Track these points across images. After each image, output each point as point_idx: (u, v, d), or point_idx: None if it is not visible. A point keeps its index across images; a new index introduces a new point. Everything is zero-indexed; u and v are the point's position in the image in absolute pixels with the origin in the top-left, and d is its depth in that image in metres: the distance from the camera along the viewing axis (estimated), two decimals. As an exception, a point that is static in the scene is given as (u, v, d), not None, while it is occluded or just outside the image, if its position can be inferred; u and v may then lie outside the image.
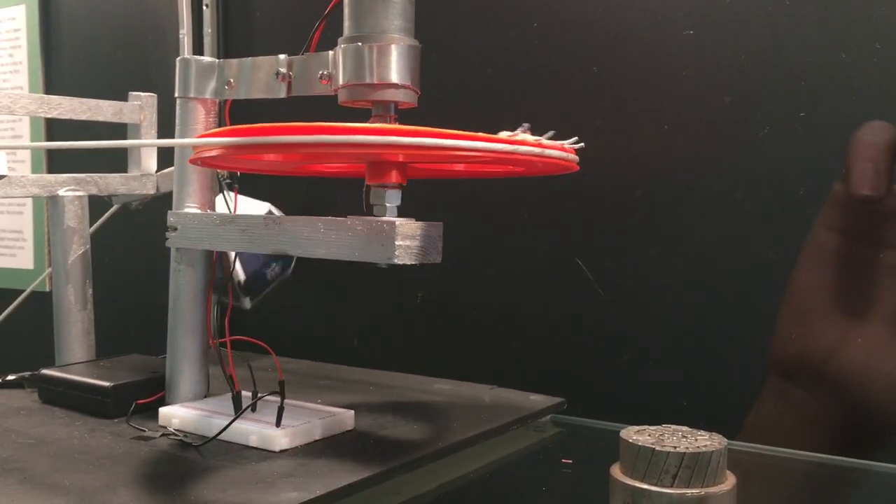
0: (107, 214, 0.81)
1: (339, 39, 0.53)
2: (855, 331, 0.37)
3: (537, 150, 0.47)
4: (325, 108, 0.58)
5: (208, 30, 0.91)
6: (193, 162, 0.51)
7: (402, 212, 0.53)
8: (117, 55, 1.03)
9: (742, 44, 0.66)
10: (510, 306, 0.78)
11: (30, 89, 1.09)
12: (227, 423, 0.53)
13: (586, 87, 0.73)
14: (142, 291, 1.00)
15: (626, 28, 0.71)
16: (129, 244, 0.99)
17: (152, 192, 0.76)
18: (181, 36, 0.92)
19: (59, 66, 1.08)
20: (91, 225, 0.72)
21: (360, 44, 0.52)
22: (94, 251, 0.72)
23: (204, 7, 0.91)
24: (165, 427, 0.56)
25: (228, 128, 0.44)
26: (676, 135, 0.69)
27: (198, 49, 0.92)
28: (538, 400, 0.68)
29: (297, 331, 0.92)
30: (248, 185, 0.67)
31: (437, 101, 0.67)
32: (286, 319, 0.93)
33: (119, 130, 0.78)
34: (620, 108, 0.71)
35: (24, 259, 1.10)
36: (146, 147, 0.72)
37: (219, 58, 0.92)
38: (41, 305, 0.84)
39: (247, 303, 0.75)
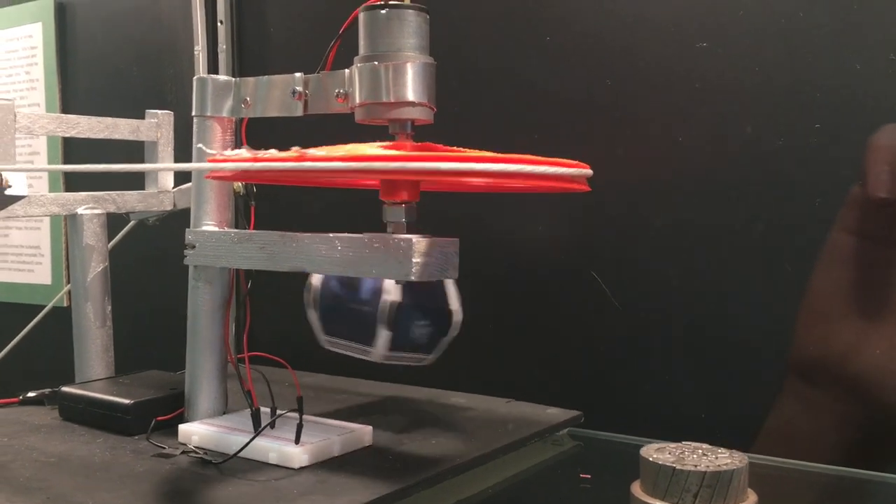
0: (124, 230, 0.82)
1: (355, 58, 0.54)
2: (873, 332, 0.37)
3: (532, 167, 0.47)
4: (339, 125, 0.59)
5: (223, 46, 0.92)
6: (211, 177, 0.51)
7: (417, 226, 0.53)
8: (133, 72, 1.03)
9: (756, 55, 0.66)
10: (526, 319, 0.78)
11: (46, 106, 1.10)
12: (246, 440, 0.54)
13: (600, 100, 0.73)
14: (159, 305, 1.00)
15: (640, 40, 0.71)
16: (146, 258, 0.99)
17: (169, 208, 0.76)
18: (196, 53, 0.93)
19: (75, 83, 1.09)
20: (109, 241, 0.73)
21: (375, 63, 0.52)
22: (111, 266, 0.73)
23: (218, 24, 0.92)
24: (185, 444, 0.56)
25: (240, 157, 0.45)
26: (691, 146, 0.69)
27: (212, 66, 0.93)
28: (555, 413, 0.68)
29: (314, 344, 0.92)
30: (265, 197, 0.68)
31: (452, 115, 0.67)
32: (302, 332, 0.93)
33: (136, 146, 0.78)
34: (635, 119, 0.72)
35: (41, 275, 1.11)
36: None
37: (234, 75, 0.93)
38: (60, 320, 0.84)
39: (382, 341, 0.58)
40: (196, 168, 0.58)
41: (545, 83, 0.75)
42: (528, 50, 0.76)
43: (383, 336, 0.58)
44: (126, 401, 0.61)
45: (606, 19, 0.72)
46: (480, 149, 0.59)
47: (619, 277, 0.73)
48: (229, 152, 0.53)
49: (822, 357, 0.38)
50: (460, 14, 0.80)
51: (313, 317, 0.63)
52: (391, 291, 0.58)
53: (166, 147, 0.74)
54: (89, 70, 1.08)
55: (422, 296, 0.60)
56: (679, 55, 0.69)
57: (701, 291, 0.70)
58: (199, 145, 0.45)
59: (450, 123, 0.59)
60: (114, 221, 0.80)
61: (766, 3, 0.65)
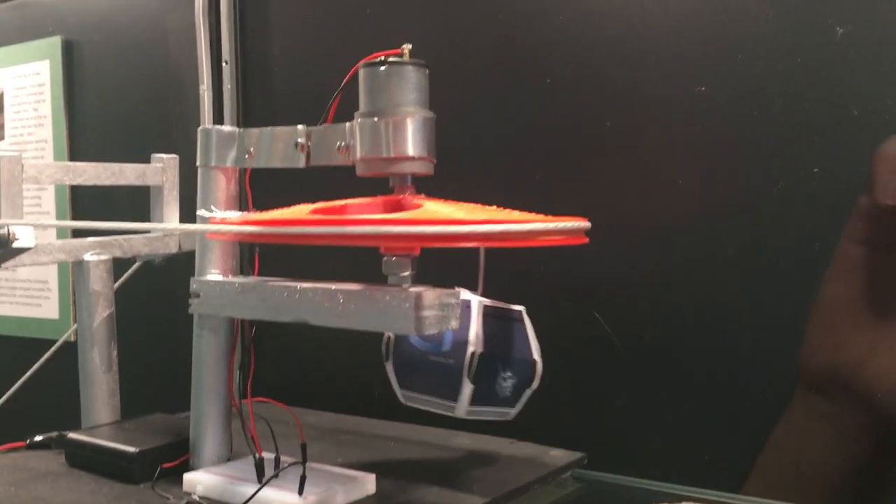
0: (130, 271, 0.83)
1: (356, 113, 0.54)
2: (884, 342, 0.37)
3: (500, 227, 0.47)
4: (342, 174, 0.59)
5: (228, 86, 0.93)
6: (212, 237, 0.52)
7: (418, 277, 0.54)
8: (139, 109, 1.05)
9: (754, 99, 0.67)
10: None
11: (54, 142, 1.11)
12: (250, 490, 0.54)
13: (600, 142, 0.73)
14: (164, 342, 1.01)
15: (640, 83, 0.71)
16: (152, 297, 1.00)
17: (175, 251, 0.77)
18: (201, 91, 0.94)
19: (82, 120, 1.10)
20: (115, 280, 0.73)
21: (375, 119, 0.53)
22: (116, 304, 0.73)
23: (223, 64, 0.93)
24: (190, 493, 0.57)
25: (243, 219, 0.46)
26: (691, 188, 0.70)
27: (217, 105, 0.94)
28: (558, 455, 0.68)
29: (319, 381, 0.93)
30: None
31: (451, 160, 0.68)
32: (308, 369, 0.93)
33: (144, 162, 0.77)
34: (634, 161, 0.72)
35: (49, 309, 1.12)
36: (168, 210, 0.74)
37: (238, 114, 0.94)
38: (69, 354, 0.85)
39: (466, 395, 0.56)
40: (197, 230, 0.58)
41: (546, 125, 0.76)
42: (529, 91, 0.77)
43: (467, 390, 0.55)
44: (132, 449, 0.61)
45: (607, 62, 0.73)
46: (482, 194, 0.60)
47: (621, 319, 0.73)
48: (231, 214, 0.53)
49: (833, 368, 0.38)
50: (459, 56, 0.81)
51: (389, 370, 0.62)
52: (474, 342, 0.56)
53: (171, 191, 0.75)
54: (96, 107, 1.09)
55: (505, 346, 0.58)
56: (679, 98, 0.69)
57: (704, 333, 0.70)
58: (200, 211, 0.46)
59: (449, 168, 0.59)
60: (120, 260, 0.80)
61: (764, 48, 0.66)
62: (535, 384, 0.59)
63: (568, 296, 0.76)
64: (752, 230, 0.67)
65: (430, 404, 0.60)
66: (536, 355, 0.60)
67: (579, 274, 0.75)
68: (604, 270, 0.74)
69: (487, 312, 0.58)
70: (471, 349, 0.55)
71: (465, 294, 0.58)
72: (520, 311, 0.61)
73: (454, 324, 0.52)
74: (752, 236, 0.67)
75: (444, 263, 0.54)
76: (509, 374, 0.58)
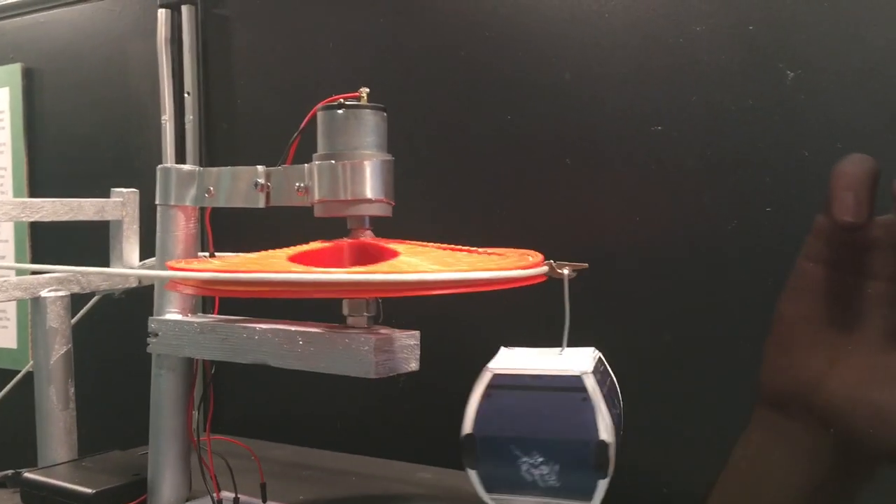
0: (87, 306, 0.82)
1: (314, 155, 0.55)
2: (841, 360, 0.38)
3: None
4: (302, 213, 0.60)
5: (190, 116, 0.93)
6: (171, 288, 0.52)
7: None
8: (100, 137, 1.04)
9: (707, 140, 0.68)
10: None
11: (13, 170, 1.10)
12: (208, 535, 0.54)
13: (559, 179, 0.74)
14: (121, 375, 1.00)
15: (597, 122, 0.72)
16: (110, 330, 0.99)
17: (134, 285, 0.76)
18: (163, 122, 0.93)
19: (43, 148, 1.09)
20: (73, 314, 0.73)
21: (333, 161, 0.53)
22: (75, 335, 0.72)
23: (185, 94, 0.93)
24: (147, 537, 0.56)
25: (200, 265, 0.45)
26: (647, 225, 0.71)
27: (179, 135, 0.93)
28: (519, 490, 0.68)
29: (281, 412, 0.92)
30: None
31: (411, 197, 0.68)
32: (270, 401, 0.93)
33: (104, 190, 0.77)
34: (592, 198, 0.73)
35: (7, 338, 1.11)
36: (127, 245, 0.73)
37: (200, 145, 0.94)
38: (28, 385, 0.84)
39: (473, 478, 0.45)
40: (156, 276, 0.58)
41: (505, 162, 0.77)
42: (489, 130, 0.78)
43: (471, 474, 0.45)
44: (88, 490, 0.60)
45: (565, 100, 0.74)
46: (438, 232, 0.60)
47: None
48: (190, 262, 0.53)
49: (791, 386, 0.39)
50: (420, 91, 0.81)
51: None
52: (467, 421, 0.46)
53: (132, 225, 0.74)
54: (57, 135, 1.08)
55: (534, 424, 0.45)
56: (635, 137, 0.71)
57: (661, 374, 0.71)
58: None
59: (408, 204, 0.60)
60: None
61: (718, 91, 0.67)
62: (609, 471, 0.44)
63: (526, 327, 0.76)
64: (707, 266, 0.68)
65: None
66: (605, 434, 0.43)
67: (536, 307, 0.76)
68: (558, 305, 0.74)
69: (502, 384, 0.47)
70: (463, 428, 0.46)
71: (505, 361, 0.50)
72: (577, 377, 0.45)
73: (414, 364, 0.52)
74: (708, 273, 0.69)
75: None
76: (541, 458, 0.44)
